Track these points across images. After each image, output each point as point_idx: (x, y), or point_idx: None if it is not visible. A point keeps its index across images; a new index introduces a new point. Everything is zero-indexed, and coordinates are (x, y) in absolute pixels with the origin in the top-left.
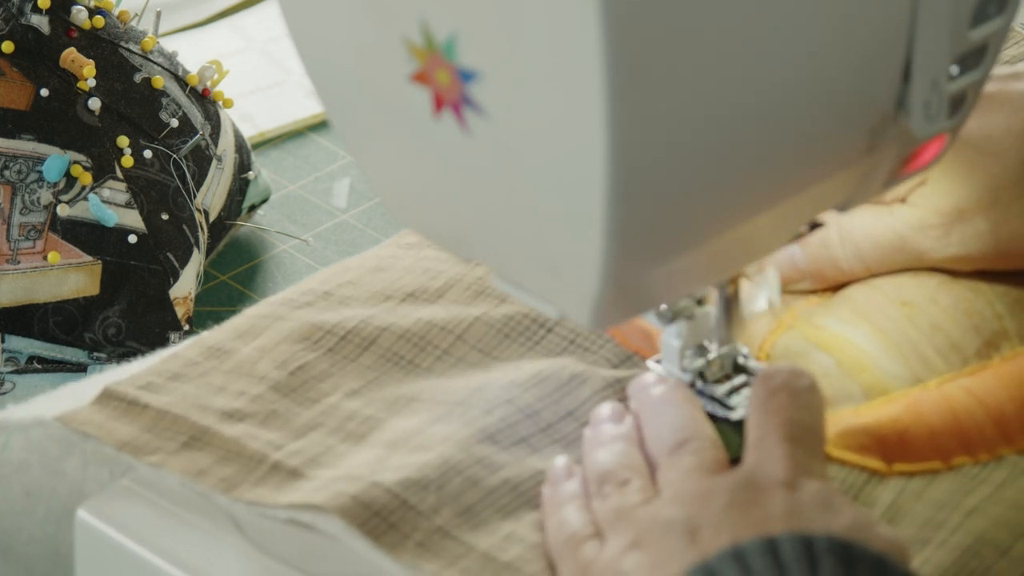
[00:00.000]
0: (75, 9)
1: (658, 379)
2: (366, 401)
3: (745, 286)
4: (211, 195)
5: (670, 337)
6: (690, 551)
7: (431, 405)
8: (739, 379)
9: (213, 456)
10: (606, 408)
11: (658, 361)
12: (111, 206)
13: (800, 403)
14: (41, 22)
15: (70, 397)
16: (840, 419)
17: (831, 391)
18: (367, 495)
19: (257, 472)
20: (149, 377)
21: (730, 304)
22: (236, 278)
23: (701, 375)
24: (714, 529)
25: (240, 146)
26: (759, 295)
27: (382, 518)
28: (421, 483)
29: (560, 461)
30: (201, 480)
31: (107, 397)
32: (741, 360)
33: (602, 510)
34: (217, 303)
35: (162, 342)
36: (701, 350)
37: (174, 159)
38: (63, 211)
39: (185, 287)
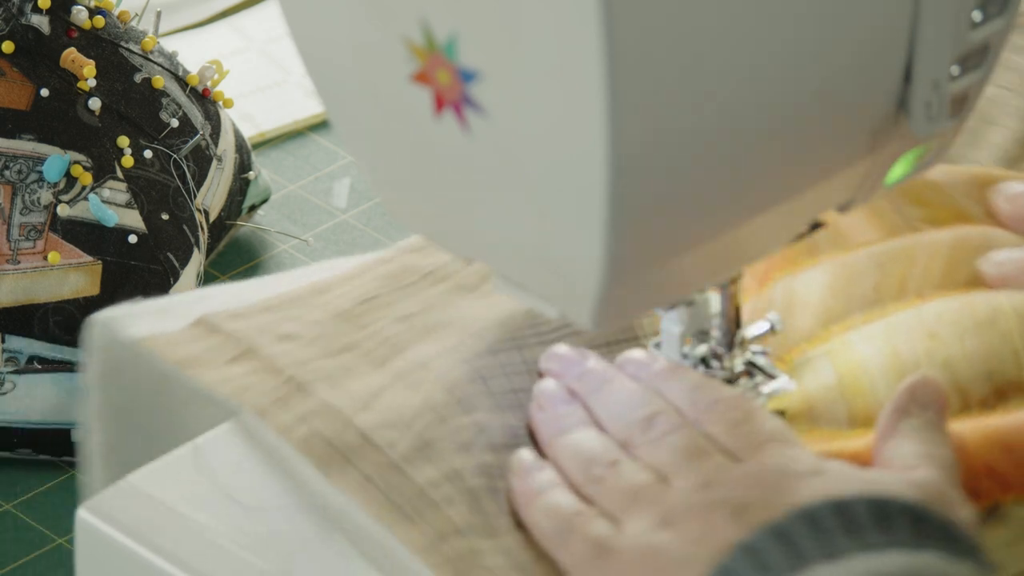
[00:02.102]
0: (75, 9)
1: (575, 354)
2: (408, 326)
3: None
4: (211, 195)
5: (670, 323)
6: (735, 526)
7: (452, 332)
8: (740, 379)
9: (246, 368)
10: (550, 387)
11: (657, 346)
12: (111, 206)
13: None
14: (41, 22)
15: (160, 314)
16: (811, 441)
17: (819, 406)
18: (339, 439)
19: (271, 383)
20: (242, 309)
21: (731, 311)
22: (236, 278)
23: (703, 361)
24: (762, 507)
25: (240, 146)
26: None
27: (342, 454)
28: (391, 423)
29: (525, 453)
30: (221, 385)
31: (198, 324)
32: (743, 359)
33: (604, 493)
34: None
35: None
36: (702, 336)
37: (174, 159)
38: (63, 211)
39: (185, 287)
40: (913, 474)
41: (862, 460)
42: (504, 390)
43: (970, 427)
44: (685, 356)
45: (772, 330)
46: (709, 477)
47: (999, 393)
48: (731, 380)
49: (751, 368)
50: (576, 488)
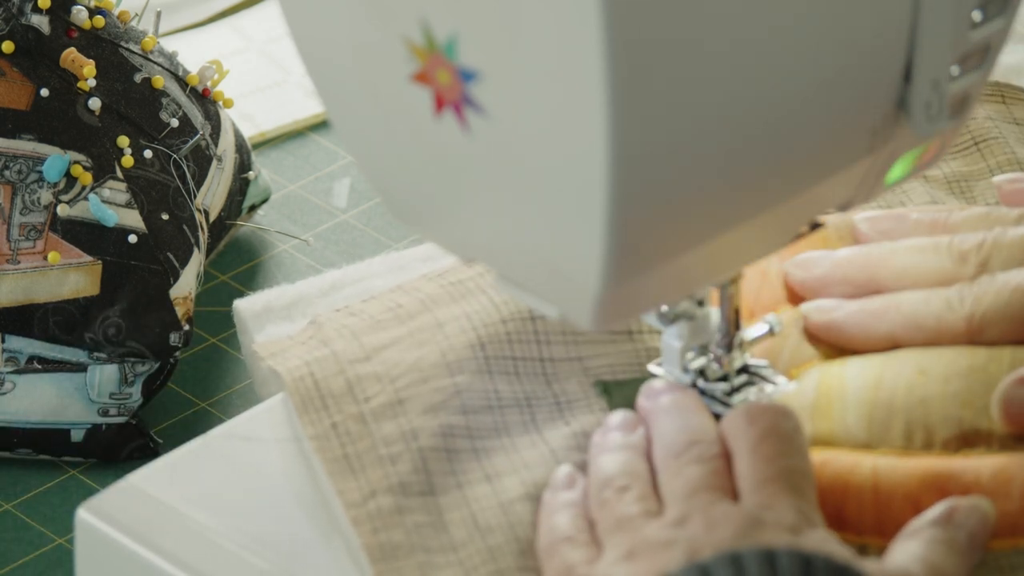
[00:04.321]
0: (75, 9)
1: (669, 385)
2: (449, 287)
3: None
4: (211, 195)
5: (671, 338)
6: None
7: (482, 296)
8: (739, 379)
9: (306, 336)
10: (618, 415)
11: (659, 364)
12: (111, 206)
13: (792, 449)
14: (41, 22)
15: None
16: None
17: None
18: (326, 384)
19: (305, 341)
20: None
21: (731, 311)
22: (236, 278)
23: (702, 373)
24: (713, 552)
25: (240, 146)
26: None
27: (322, 398)
28: (378, 376)
29: (564, 469)
30: (275, 356)
31: (312, 324)
32: (742, 361)
33: (601, 518)
34: (217, 303)
35: (162, 342)
36: (702, 350)
37: (174, 159)
38: (63, 211)
39: (185, 287)
40: (895, 567)
41: None
42: (501, 356)
43: (915, 464)
44: (685, 370)
45: (771, 332)
46: (690, 513)
47: (964, 439)
48: (730, 384)
49: (749, 369)
50: (589, 508)
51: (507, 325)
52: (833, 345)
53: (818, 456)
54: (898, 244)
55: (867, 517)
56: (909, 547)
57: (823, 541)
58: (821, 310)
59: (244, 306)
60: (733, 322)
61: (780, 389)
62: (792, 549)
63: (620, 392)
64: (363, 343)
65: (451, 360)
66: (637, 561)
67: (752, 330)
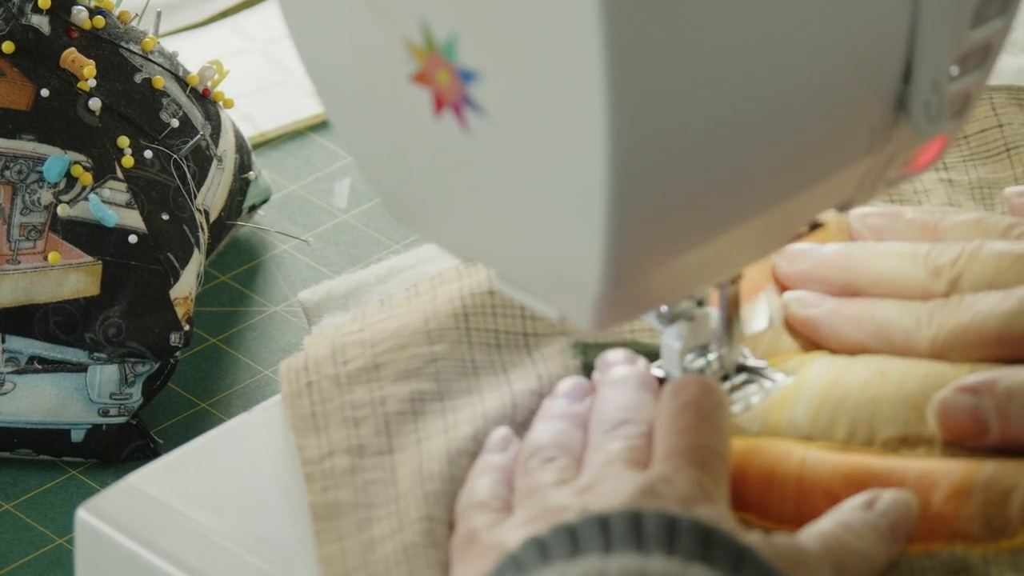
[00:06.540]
0: (75, 9)
1: (623, 357)
2: (461, 269)
3: (746, 305)
4: (211, 195)
5: (671, 339)
6: None
7: (481, 272)
8: (739, 378)
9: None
10: (568, 382)
11: (659, 365)
12: (111, 206)
13: (708, 425)
14: (41, 22)
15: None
16: None
17: (744, 416)
18: (313, 352)
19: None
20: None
21: (731, 311)
22: (236, 278)
23: (702, 374)
24: None
25: (240, 146)
26: (760, 314)
27: (305, 363)
28: (362, 342)
29: (500, 431)
30: (294, 376)
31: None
32: (742, 360)
33: (519, 485)
34: (217, 303)
35: (162, 342)
36: (702, 350)
37: (174, 159)
38: (63, 211)
39: (185, 287)
40: (791, 539)
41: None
42: (483, 328)
43: (843, 460)
44: (685, 371)
45: (771, 324)
46: (596, 482)
47: (905, 440)
48: (730, 383)
49: (749, 368)
50: (515, 474)
51: (494, 297)
52: (809, 339)
53: (750, 443)
54: (880, 247)
55: (788, 507)
56: (816, 525)
57: (715, 516)
58: (801, 303)
59: (305, 296)
60: (733, 322)
61: (779, 386)
62: (660, 512)
63: (596, 352)
64: (364, 321)
65: (432, 328)
66: (533, 525)
67: (751, 325)
